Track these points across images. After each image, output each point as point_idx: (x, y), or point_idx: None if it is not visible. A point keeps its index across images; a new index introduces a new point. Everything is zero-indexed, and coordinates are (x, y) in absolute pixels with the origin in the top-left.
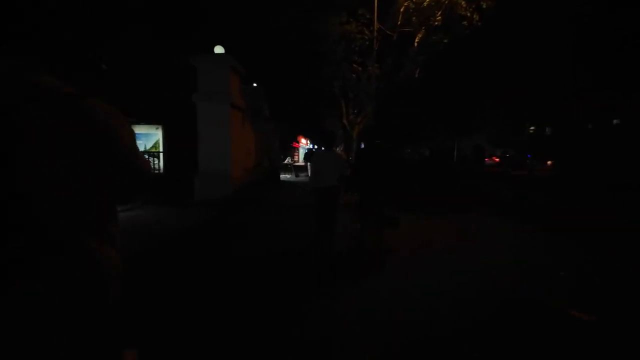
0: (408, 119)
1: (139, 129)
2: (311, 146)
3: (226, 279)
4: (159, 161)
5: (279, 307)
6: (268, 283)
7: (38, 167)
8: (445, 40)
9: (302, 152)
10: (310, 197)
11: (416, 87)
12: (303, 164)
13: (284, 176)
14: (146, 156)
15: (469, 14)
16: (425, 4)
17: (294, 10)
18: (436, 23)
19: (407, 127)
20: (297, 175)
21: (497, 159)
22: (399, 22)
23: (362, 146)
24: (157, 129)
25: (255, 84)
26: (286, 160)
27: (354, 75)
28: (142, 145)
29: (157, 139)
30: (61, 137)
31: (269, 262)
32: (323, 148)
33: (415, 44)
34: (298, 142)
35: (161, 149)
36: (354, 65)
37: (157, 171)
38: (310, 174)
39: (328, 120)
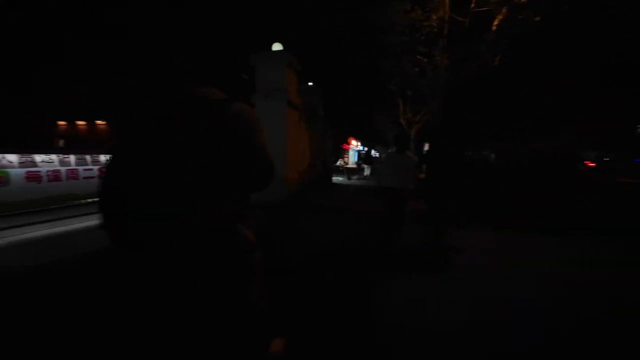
0: (481, 116)
1: None
2: (362, 148)
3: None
4: None
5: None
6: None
7: (200, 158)
8: (537, 18)
9: (352, 154)
10: (371, 201)
11: (493, 78)
12: (355, 166)
13: (335, 178)
14: None
15: None
16: None
17: (352, 2)
18: None
19: (478, 125)
20: (349, 178)
21: (592, 164)
22: (472, 4)
23: (426, 148)
24: None
25: (310, 83)
26: (338, 162)
27: (416, 69)
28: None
29: None
30: (215, 133)
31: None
32: (395, 149)
33: (494, 27)
34: (348, 143)
35: None
36: (418, 57)
37: None
38: (380, 175)
39: (379, 119)
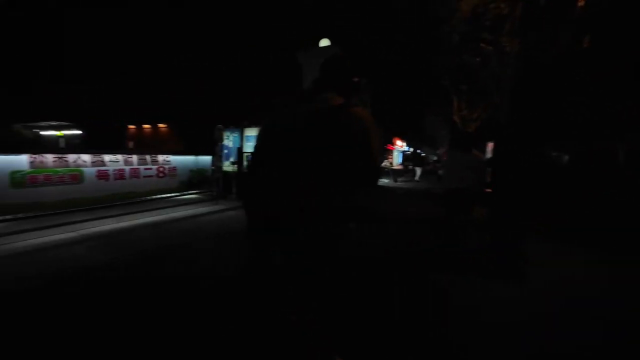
0: (560, 109)
1: (249, 132)
2: (407, 148)
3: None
4: None
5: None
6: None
7: (325, 158)
8: None
9: (397, 155)
10: (427, 204)
11: (577, 64)
12: (401, 167)
13: (381, 180)
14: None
15: None
16: None
17: None
18: None
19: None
20: (395, 180)
21: None
22: None
23: (490, 148)
24: None
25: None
26: (383, 163)
27: (477, 59)
28: (251, 146)
29: None
30: (337, 136)
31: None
32: (459, 149)
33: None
34: (393, 144)
35: None
36: (482, 44)
37: None
38: (444, 176)
39: (427, 118)
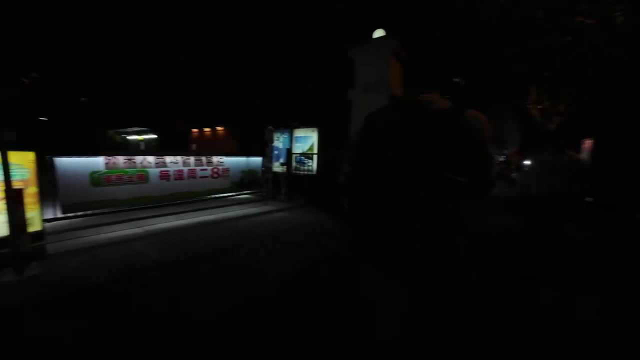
0: None
1: (298, 133)
2: None
3: None
4: (312, 163)
5: None
6: None
7: (439, 161)
8: None
9: None
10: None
11: None
12: None
13: None
14: (304, 159)
15: None
16: None
17: None
18: None
19: None
20: None
21: None
22: None
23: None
24: (312, 131)
25: None
26: None
27: (568, 38)
28: (300, 147)
29: (312, 141)
30: (452, 140)
31: None
32: (549, 149)
33: None
34: None
35: (315, 151)
36: (579, 18)
37: (310, 172)
38: (521, 180)
39: (493, 113)
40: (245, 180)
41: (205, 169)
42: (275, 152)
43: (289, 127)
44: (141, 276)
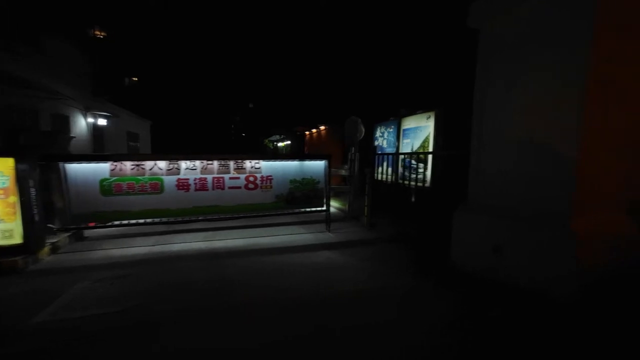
0: None
1: (407, 123)
2: None
3: None
4: (424, 171)
5: None
6: None
7: None
8: None
9: None
10: None
11: None
12: None
13: None
14: (413, 163)
15: None
16: None
17: None
18: None
19: None
20: None
21: None
22: None
23: None
24: (427, 118)
25: None
26: None
27: None
28: (409, 146)
29: (428, 133)
30: None
31: None
32: None
33: None
34: None
35: (430, 149)
36: None
37: (421, 185)
38: None
39: None
40: (298, 193)
41: (237, 178)
42: (379, 152)
43: (397, 115)
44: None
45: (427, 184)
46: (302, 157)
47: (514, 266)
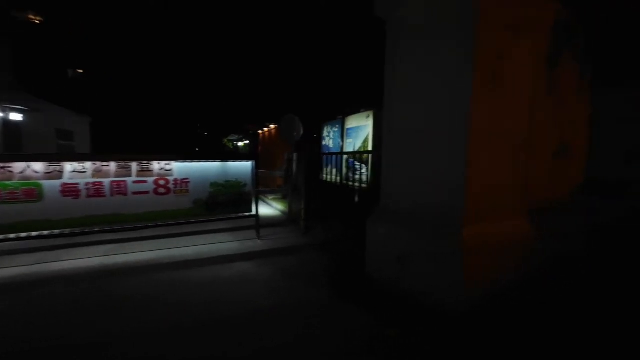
0: None
1: (350, 123)
2: None
3: None
4: (367, 171)
5: None
6: None
7: None
8: None
9: None
10: None
11: None
12: None
13: None
14: (357, 163)
15: None
16: None
17: None
18: None
19: None
20: None
21: None
22: None
23: None
24: (367, 117)
25: None
26: None
27: None
28: (352, 145)
29: (367, 133)
30: None
31: None
32: None
33: None
34: None
35: (370, 147)
36: None
37: (365, 186)
38: None
39: None
40: (221, 197)
41: (143, 182)
42: (326, 152)
43: (343, 114)
44: None
45: (366, 185)
46: (224, 158)
47: (413, 277)
